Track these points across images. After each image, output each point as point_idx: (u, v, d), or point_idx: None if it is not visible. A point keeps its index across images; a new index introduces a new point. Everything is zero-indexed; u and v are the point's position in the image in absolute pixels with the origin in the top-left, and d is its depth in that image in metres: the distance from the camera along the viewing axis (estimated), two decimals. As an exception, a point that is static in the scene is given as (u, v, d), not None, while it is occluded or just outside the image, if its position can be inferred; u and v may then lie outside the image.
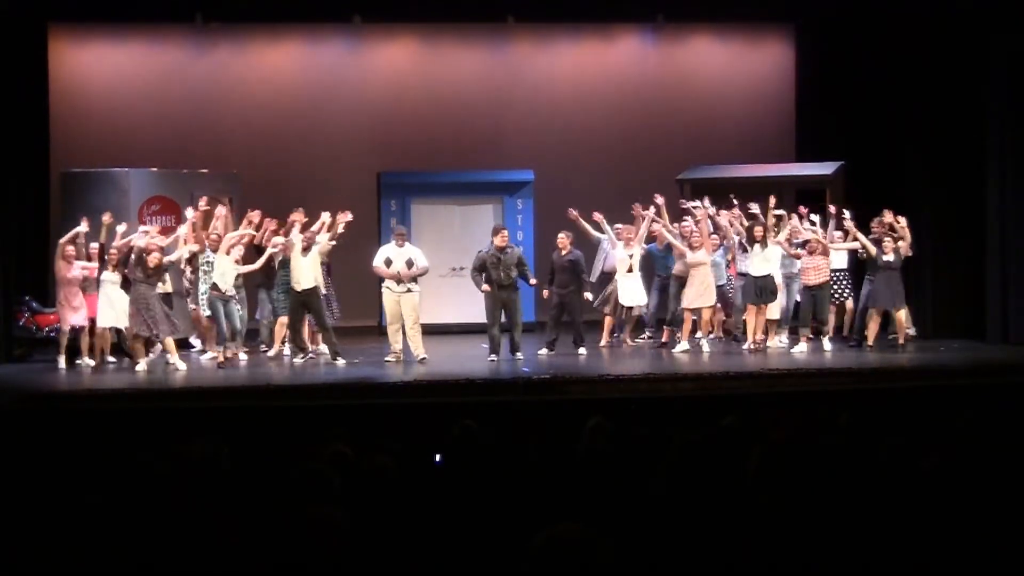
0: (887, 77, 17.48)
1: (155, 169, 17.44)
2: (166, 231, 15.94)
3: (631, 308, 16.13)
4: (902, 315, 15.15)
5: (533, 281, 15.15)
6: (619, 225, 16.20)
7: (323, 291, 14.94)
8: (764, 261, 15.00)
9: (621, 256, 15.73)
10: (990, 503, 4.77)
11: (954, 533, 4.44)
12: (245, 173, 18.29)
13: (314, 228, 14.80)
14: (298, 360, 14.66)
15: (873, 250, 14.93)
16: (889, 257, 14.92)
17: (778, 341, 15.47)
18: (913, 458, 5.29)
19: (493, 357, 14.79)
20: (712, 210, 15.86)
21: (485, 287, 14.74)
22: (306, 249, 14.53)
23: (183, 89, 19.56)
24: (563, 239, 15.34)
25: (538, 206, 18.58)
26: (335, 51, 20.21)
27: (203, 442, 5.86)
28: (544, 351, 15.18)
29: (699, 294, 15.24)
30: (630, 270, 15.75)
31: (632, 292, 15.82)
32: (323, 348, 15.32)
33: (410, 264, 14.83)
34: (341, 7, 18.91)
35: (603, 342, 16.08)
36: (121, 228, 14.86)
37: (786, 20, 20.23)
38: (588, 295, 15.34)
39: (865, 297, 15.27)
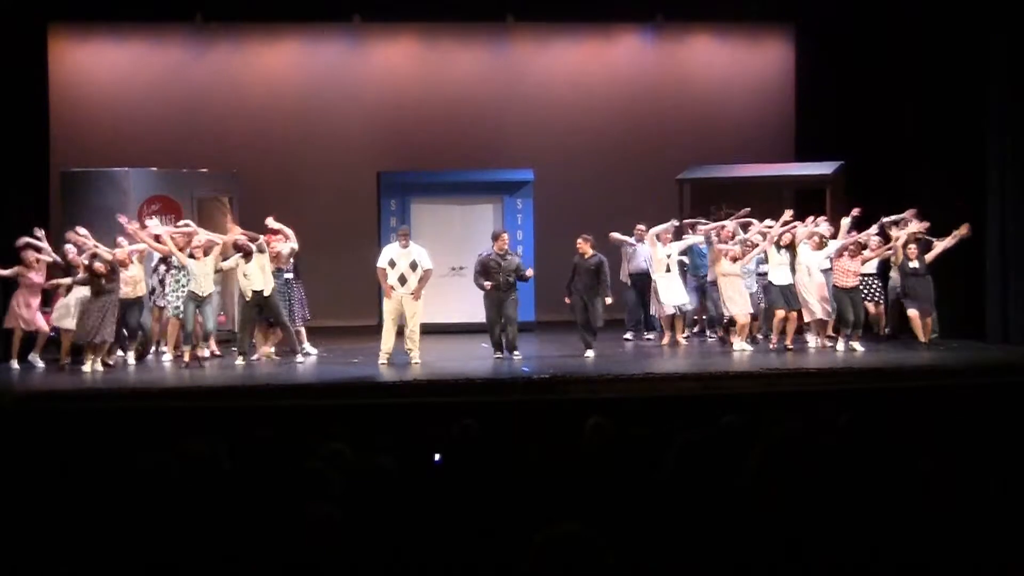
0: (887, 77, 17.48)
1: (155, 169, 17.42)
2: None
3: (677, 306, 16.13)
4: (930, 319, 15.25)
5: (530, 272, 15.13)
6: (641, 225, 16.25)
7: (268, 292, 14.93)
8: (786, 268, 15.12)
9: (659, 256, 15.72)
10: (990, 503, 4.77)
11: (954, 533, 4.44)
12: (245, 172, 18.27)
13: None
14: (239, 362, 14.67)
15: (900, 258, 15.08)
16: (915, 264, 15.03)
17: (815, 341, 15.52)
18: (913, 458, 5.29)
19: (499, 354, 14.89)
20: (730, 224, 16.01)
21: (487, 283, 14.76)
22: (249, 255, 14.63)
23: (183, 88, 19.55)
24: (583, 243, 15.23)
25: (538, 206, 18.56)
26: (335, 50, 20.20)
27: (202, 442, 5.86)
28: (591, 353, 15.02)
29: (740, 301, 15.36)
30: (668, 269, 15.73)
31: (672, 291, 15.82)
32: (311, 349, 15.46)
33: (414, 266, 14.80)
34: (341, 6, 18.91)
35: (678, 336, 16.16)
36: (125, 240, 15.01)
37: (786, 20, 20.23)
38: (609, 299, 15.19)
39: (901, 297, 15.39)
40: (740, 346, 15.23)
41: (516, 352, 14.86)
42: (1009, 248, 15.69)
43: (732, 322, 15.51)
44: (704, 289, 16.18)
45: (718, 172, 18.57)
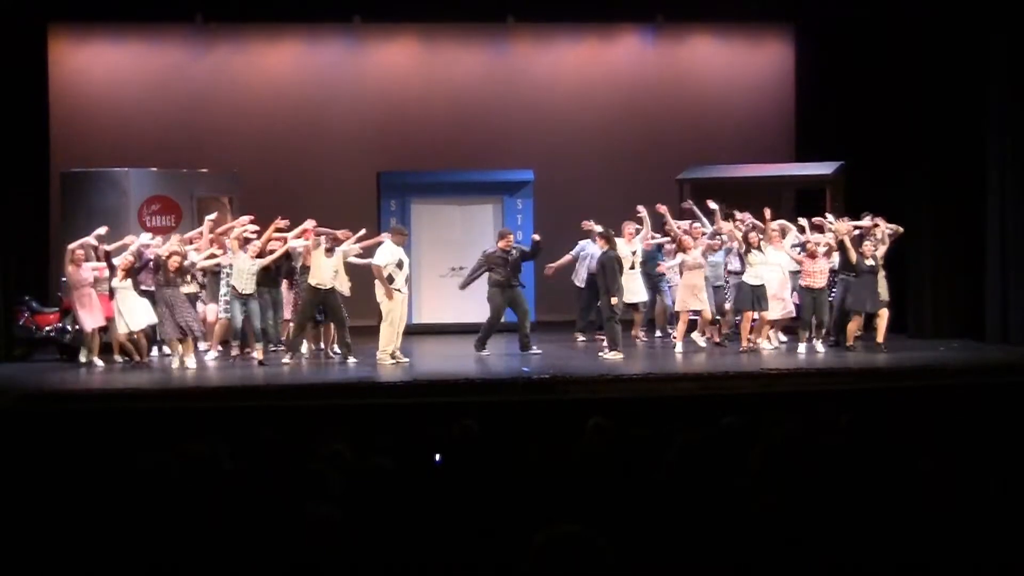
0: (887, 77, 17.46)
1: (155, 169, 17.41)
2: (163, 231, 16.01)
3: (636, 305, 16.11)
4: (884, 316, 15.15)
5: (536, 237, 15.58)
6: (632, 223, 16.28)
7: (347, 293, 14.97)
8: (761, 268, 15.01)
9: (624, 253, 15.68)
10: (990, 503, 4.77)
11: (953, 533, 4.44)
12: (245, 173, 18.26)
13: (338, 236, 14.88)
14: (287, 360, 14.63)
15: (854, 257, 14.95)
16: (870, 261, 14.96)
17: (776, 342, 15.51)
18: (913, 458, 5.29)
19: (486, 353, 15.07)
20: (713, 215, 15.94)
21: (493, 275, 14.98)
22: (329, 251, 14.61)
23: (183, 89, 19.54)
24: (599, 239, 15.24)
25: (538, 206, 18.56)
26: (335, 51, 20.20)
27: (203, 442, 5.86)
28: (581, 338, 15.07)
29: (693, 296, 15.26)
30: (632, 267, 15.74)
31: (634, 290, 15.82)
32: (337, 349, 15.38)
33: (400, 265, 14.76)
34: (341, 7, 18.89)
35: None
36: (130, 239, 14.94)
37: (786, 20, 20.23)
38: (614, 299, 15.11)
39: (842, 299, 15.25)
40: (685, 345, 15.27)
41: (534, 348, 14.95)
42: (1009, 248, 15.68)
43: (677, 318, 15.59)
44: (657, 286, 16.26)
45: (718, 172, 18.56)
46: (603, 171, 19.90)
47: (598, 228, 15.30)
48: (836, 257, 15.33)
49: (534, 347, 15.10)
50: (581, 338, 16.64)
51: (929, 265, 16.48)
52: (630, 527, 4.56)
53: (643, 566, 4.24)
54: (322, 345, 15.40)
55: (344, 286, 14.86)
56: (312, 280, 14.54)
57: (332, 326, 15.12)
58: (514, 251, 15.10)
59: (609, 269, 14.79)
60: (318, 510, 4.23)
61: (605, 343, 15.00)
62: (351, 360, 14.61)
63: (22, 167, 16.51)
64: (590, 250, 16.32)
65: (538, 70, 20.43)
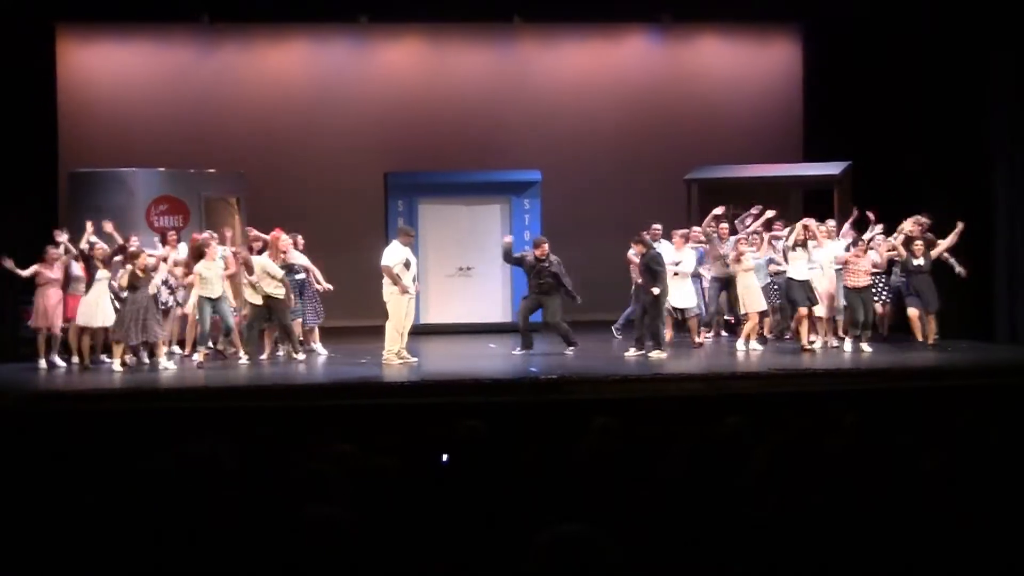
0: (894, 77, 17.46)
1: (162, 169, 17.45)
2: (170, 231, 16.07)
3: (684, 310, 16.03)
4: (932, 318, 15.19)
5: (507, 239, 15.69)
6: (657, 225, 16.21)
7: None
8: (805, 265, 15.08)
9: (674, 259, 15.64)
10: (996, 504, 4.75)
11: (959, 534, 4.43)
12: (252, 173, 18.30)
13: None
14: (244, 361, 14.72)
15: (904, 254, 15.04)
16: (920, 261, 14.99)
17: (830, 341, 15.46)
18: (919, 459, 5.28)
19: (518, 351, 15.05)
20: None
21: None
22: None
23: (190, 89, 19.58)
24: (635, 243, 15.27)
25: (545, 206, 18.57)
26: (342, 51, 20.23)
27: (206, 442, 5.85)
28: (632, 350, 14.96)
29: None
30: (675, 274, 15.68)
31: (684, 294, 15.82)
32: (321, 349, 15.57)
33: (408, 265, 14.77)
34: (347, 7, 18.91)
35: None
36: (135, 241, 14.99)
37: (793, 20, 20.22)
38: (655, 290, 14.99)
39: (905, 296, 15.33)
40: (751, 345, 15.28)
41: (570, 349, 15.02)
42: (1017, 249, 15.67)
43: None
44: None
45: (726, 172, 18.55)
46: (610, 171, 19.91)
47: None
48: (873, 255, 15.31)
49: (570, 349, 15.09)
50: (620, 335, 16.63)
51: (937, 266, 16.42)
52: (635, 527, 4.56)
53: (648, 566, 4.24)
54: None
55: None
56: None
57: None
58: (547, 260, 15.10)
59: (653, 269, 14.79)
60: (322, 512, 4.23)
61: (649, 343, 14.93)
62: (299, 355, 14.92)
63: (30, 167, 16.56)
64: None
65: (545, 70, 20.44)
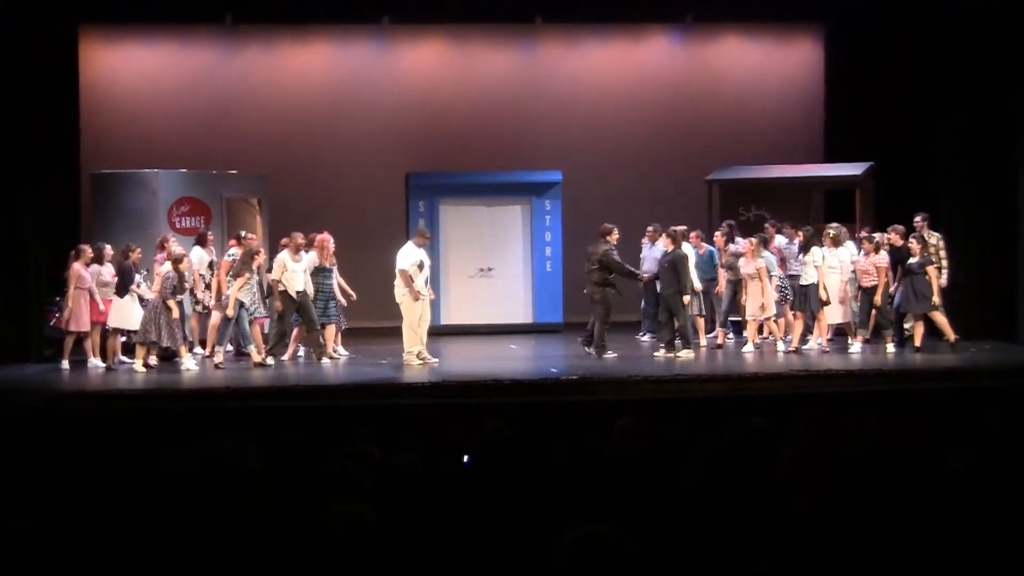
0: (917, 77, 17.37)
1: (184, 170, 17.47)
2: (192, 232, 16.14)
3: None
4: (939, 317, 14.96)
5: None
6: (651, 227, 16.19)
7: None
8: (811, 268, 15.02)
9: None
10: (1020, 505, 4.74)
11: (983, 535, 4.41)
12: (274, 174, 18.33)
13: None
14: (269, 361, 14.75)
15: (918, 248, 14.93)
16: (913, 260, 14.85)
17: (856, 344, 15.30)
18: (943, 460, 5.26)
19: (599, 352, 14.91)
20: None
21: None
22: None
23: (212, 90, 19.64)
24: (665, 238, 15.18)
25: (566, 207, 18.56)
26: (364, 52, 20.25)
27: (232, 442, 5.88)
28: (662, 351, 14.93)
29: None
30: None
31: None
32: (342, 351, 15.54)
33: (421, 266, 14.75)
34: (370, 8, 18.95)
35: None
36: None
37: (815, 20, 20.16)
38: (687, 297, 14.94)
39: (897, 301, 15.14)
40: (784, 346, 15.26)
41: (589, 349, 14.92)
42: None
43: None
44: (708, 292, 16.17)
45: (747, 173, 18.50)
46: (631, 172, 19.89)
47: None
48: (884, 255, 15.18)
49: (589, 349, 15.03)
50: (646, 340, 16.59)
51: (960, 266, 16.34)
52: (659, 528, 4.55)
53: (671, 566, 4.24)
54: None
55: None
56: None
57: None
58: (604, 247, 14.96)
59: (681, 268, 14.77)
60: (348, 509, 4.24)
61: (664, 343, 14.91)
62: (324, 360, 14.88)
63: (53, 168, 16.62)
64: (646, 252, 16.36)
65: (566, 71, 20.43)
